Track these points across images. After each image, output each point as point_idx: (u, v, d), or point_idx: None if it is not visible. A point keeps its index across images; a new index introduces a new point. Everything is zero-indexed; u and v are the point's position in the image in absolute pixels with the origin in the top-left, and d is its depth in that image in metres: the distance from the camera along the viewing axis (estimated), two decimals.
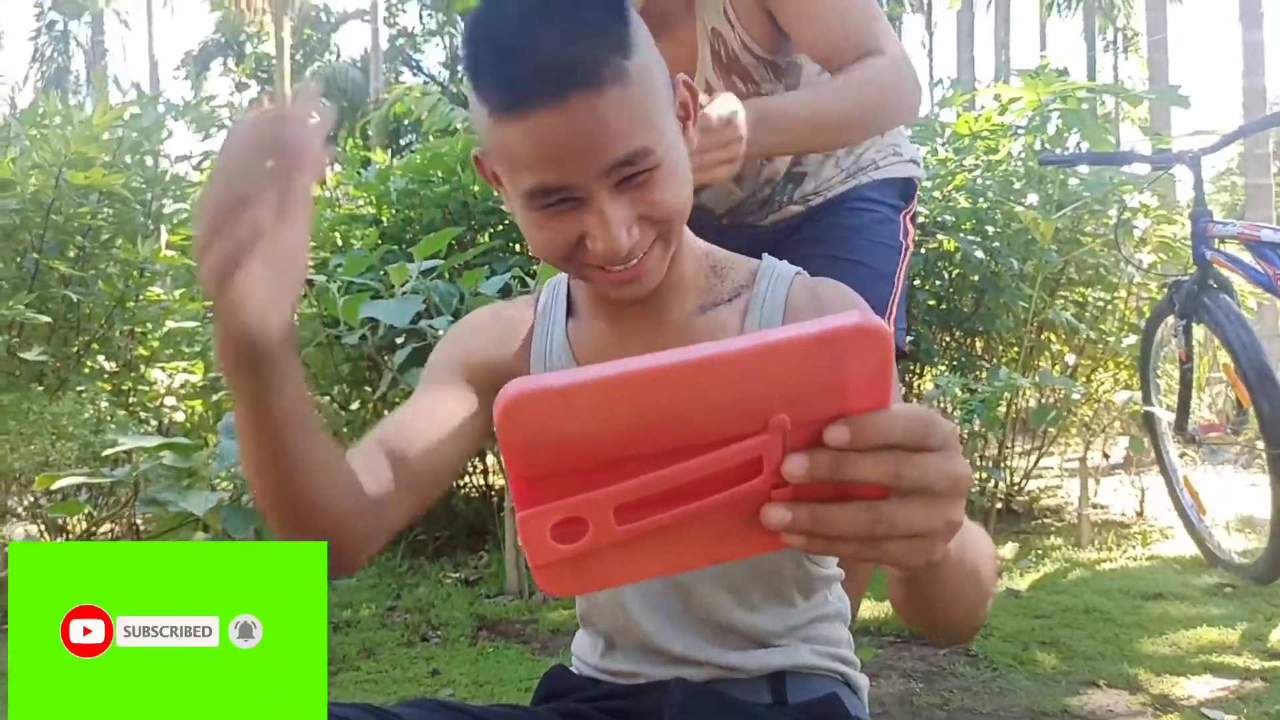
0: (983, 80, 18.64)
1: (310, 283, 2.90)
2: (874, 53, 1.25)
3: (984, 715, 1.79)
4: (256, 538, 2.00)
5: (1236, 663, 1.97)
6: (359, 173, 3.61)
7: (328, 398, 3.10)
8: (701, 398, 0.41)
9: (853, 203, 1.51)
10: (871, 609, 2.34)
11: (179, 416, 3.51)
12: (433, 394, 0.84)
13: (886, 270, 1.48)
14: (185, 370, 3.52)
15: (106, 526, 3.06)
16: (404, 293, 2.33)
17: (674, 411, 0.42)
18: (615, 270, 0.77)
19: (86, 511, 2.89)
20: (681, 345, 0.42)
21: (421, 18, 22.85)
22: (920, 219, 3.28)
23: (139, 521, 3.08)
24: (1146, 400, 2.95)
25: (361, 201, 3.46)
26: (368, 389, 3.14)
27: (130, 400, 3.33)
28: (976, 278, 3.38)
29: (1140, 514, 3.39)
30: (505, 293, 2.40)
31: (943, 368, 3.53)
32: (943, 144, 3.67)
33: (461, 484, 3.29)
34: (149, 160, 3.42)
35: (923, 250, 3.33)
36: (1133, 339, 3.27)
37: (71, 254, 3.24)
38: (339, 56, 23.08)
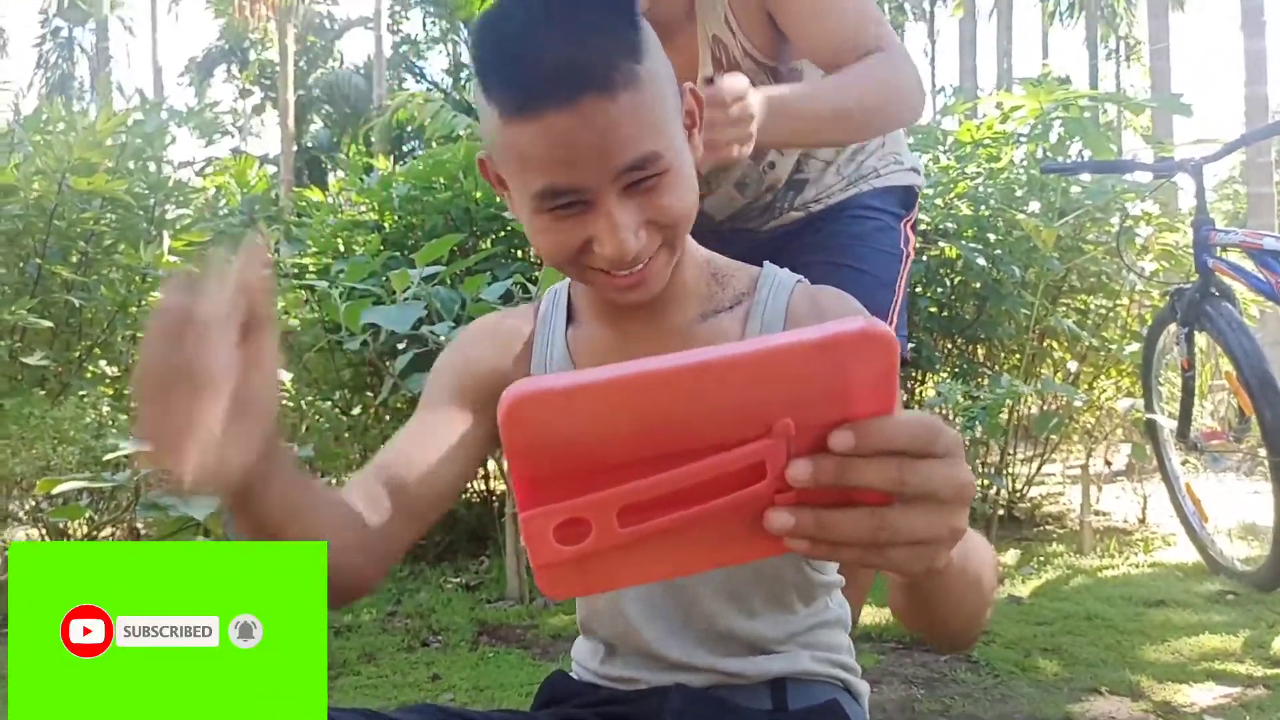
0: (985, 88, 18.67)
1: (312, 289, 2.91)
2: (876, 51, 1.25)
3: None
4: None
5: (1239, 670, 1.96)
6: (361, 179, 3.61)
7: (329, 403, 3.10)
8: (706, 401, 0.41)
9: (854, 210, 1.51)
10: (873, 615, 2.34)
11: None
12: (432, 416, 0.85)
13: (888, 278, 1.48)
14: None
15: (107, 531, 3.06)
16: (406, 299, 2.33)
17: (678, 414, 0.42)
18: (620, 275, 0.77)
19: (87, 516, 2.88)
20: (683, 351, 0.42)
21: (425, 25, 22.91)
22: (922, 226, 3.28)
23: (140, 526, 3.08)
24: (1148, 407, 2.95)
25: (364, 207, 3.47)
26: (369, 394, 3.14)
27: (132, 405, 3.33)
28: (978, 285, 3.38)
29: (1142, 521, 3.38)
30: (507, 299, 2.40)
31: (945, 375, 3.52)
32: (945, 152, 3.67)
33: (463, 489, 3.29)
34: (152, 166, 3.43)
35: (925, 257, 3.33)
36: (1135, 346, 3.27)
37: (74, 259, 3.24)
38: (342, 63, 23.12)
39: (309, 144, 20.07)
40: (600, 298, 0.85)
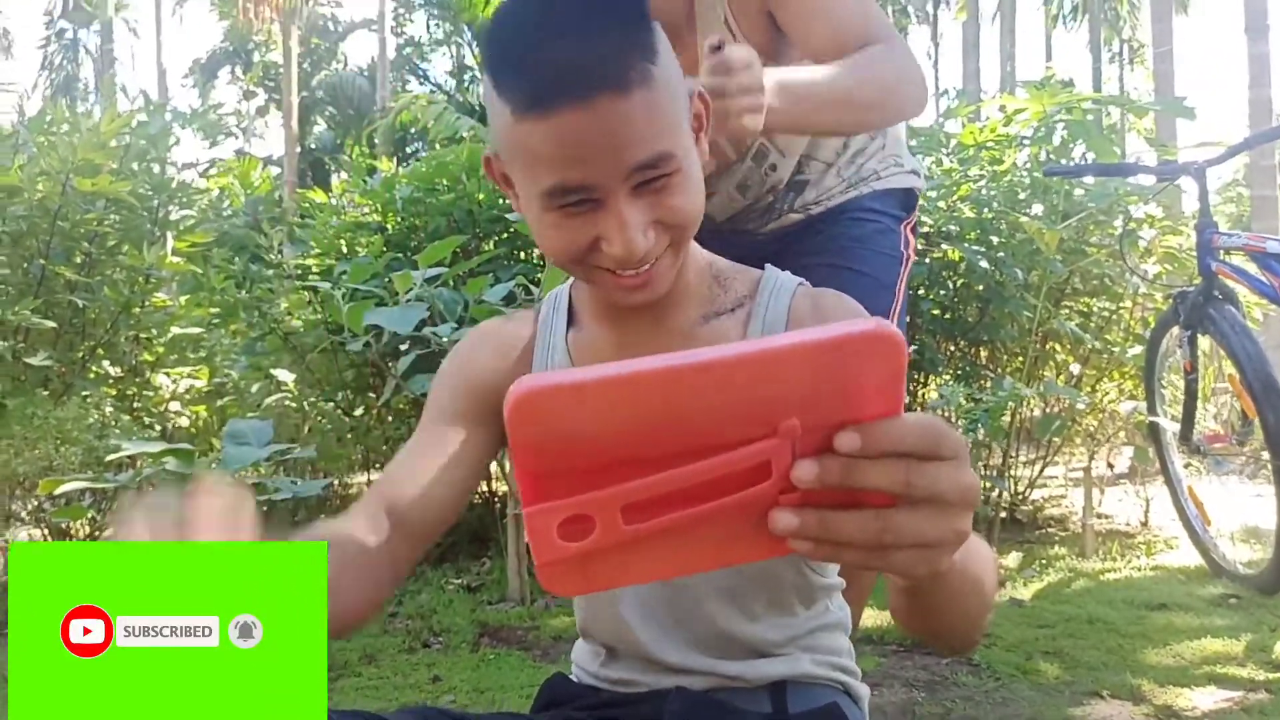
0: (988, 91, 18.62)
1: (315, 290, 2.91)
2: (876, 42, 1.25)
3: None
4: None
5: (1241, 674, 1.96)
6: (365, 181, 3.62)
7: (331, 404, 3.10)
8: (712, 399, 0.41)
9: (854, 213, 1.51)
10: (873, 618, 2.34)
11: (183, 422, 3.52)
12: (431, 437, 0.85)
13: (888, 280, 1.48)
14: (190, 376, 3.53)
15: (109, 531, 3.06)
16: (408, 300, 2.33)
17: (684, 412, 0.41)
18: (626, 275, 0.77)
19: (90, 516, 2.89)
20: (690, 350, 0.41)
21: (429, 27, 22.95)
22: (925, 229, 3.28)
23: None
24: (1151, 410, 2.94)
25: (367, 209, 3.48)
26: (371, 395, 3.15)
27: (135, 405, 3.34)
28: (981, 287, 3.38)
29: (1145, 524, 3.38)
30: (509, 300, 2.40)
31: (947, 377, 3.52)
32: (948, 154, 3.67)
33: None
34: (156, 167, 3.44)
35: (927, 260, 3.33)
36: (1138, 349, 3.27)
37: (78, 260, 3.25)
38: (346, 65, 23.13)
39: (312, 146, 20.09)
40: (602, 300, 0.85)
